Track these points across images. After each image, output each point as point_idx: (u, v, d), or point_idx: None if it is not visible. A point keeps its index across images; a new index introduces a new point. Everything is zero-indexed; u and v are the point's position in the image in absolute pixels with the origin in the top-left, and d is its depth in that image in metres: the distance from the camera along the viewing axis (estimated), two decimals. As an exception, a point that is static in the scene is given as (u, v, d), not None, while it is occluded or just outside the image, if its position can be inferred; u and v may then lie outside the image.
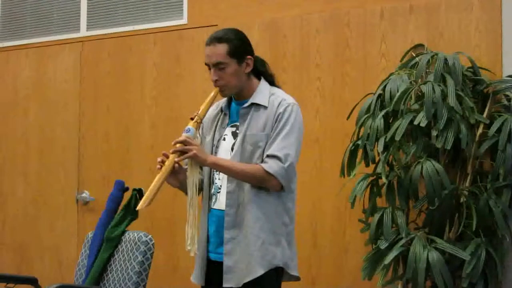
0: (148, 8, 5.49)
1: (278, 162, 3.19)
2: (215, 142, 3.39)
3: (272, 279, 3.26)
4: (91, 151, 5.72)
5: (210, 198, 3.38)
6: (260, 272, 3.20)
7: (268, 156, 3.21)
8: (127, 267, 3.76)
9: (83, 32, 5.79)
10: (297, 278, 3.36)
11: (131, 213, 3.96)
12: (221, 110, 3.43)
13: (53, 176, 5.90)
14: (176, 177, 3.25)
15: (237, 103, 3.38)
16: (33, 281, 4.02)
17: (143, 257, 3.74)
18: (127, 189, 4.09)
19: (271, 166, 3.19)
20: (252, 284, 3.21)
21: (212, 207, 3.36)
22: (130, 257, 3.78)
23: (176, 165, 3.19)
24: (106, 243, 3.95)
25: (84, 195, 5.70)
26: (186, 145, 3.16)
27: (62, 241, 5.80)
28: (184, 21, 5.32)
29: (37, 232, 5.94)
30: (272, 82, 3.42)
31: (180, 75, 5.33)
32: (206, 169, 3.39)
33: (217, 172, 3.34)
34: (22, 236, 6.02)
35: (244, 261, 3.23)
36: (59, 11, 5.93)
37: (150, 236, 3.80)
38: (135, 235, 3.84)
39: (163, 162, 3.18)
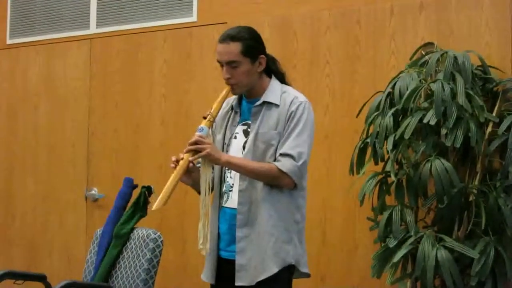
0: (157, 6, 5.49)
1: (292, 160, 3.19)
2: (226, 141, 3.38)
3: (285, 277, 3.27)
4: (100, 148, 5.73)
5: (221, 196, 3.37)
6: (274, 269, 3.20)
7: (281, 154, 3.21)
8: (136, 264, 3.77)
9: (93, 29, 5.80)
10: (307, 275, 3.36)
11: (140, 210, 3.97)
12: (232, 108, 3.42)
13: (62, 173, 5.91)
14: (190, 175, 3.25)
15: (248, 101, 3.37)
16: (42, 278, 4.03)
17: (151, 254, 3.75)
18: (136, 186, 4.11)
19: (284, 164, 3.18)
20: (265, 282, 3.21)
21: (223, 205, 3.35)
22: (138, 254, 3.79)
23: (190, 164, 3.19)
24: (115, 240, 3.97)
25: (93, 192, 5.71)
26: (199, 144, 3.17)
27: (71, 238, 5.82)
28: (193, 18, 5.32)
29: (46, 229, 5.96)
30: (282, 80, 3.41)
31: (190, 73, 5.32)
32: (216, 167, 3.38)
33: (229, 170, 3.33)
34: (31, 233, 6.04)
35: (258, 259, 3.22)
36: (69, 8, 5.94)
37: (158, 233, 3.81)
38: (144, 232, 3.85)
39: (177, 161, 3.18)
